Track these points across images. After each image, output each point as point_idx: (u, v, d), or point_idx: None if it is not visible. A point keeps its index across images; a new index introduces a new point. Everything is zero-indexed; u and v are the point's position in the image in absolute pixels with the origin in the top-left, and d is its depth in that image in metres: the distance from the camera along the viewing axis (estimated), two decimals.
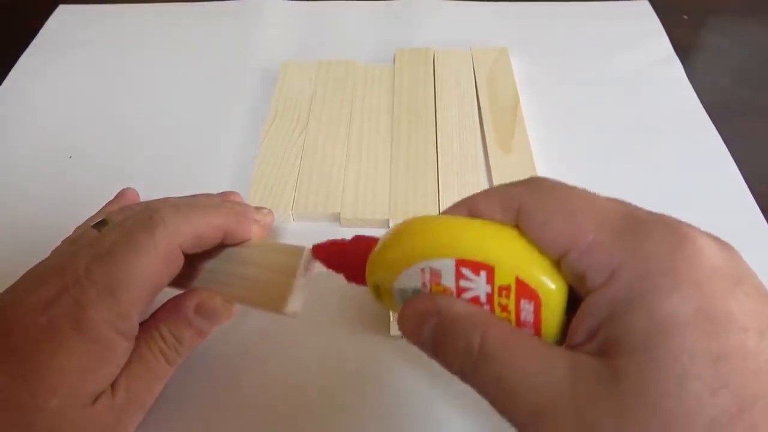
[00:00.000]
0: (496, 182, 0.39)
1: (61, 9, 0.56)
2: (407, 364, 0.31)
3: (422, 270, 0.20)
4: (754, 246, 0.36)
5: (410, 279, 0.21)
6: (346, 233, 0.37)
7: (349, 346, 0.32)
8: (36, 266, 0.27)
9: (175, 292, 0.28)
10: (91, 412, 0.24)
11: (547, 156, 0.41)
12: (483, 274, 0.19)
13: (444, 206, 0.37)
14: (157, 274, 0.24)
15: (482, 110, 0.44)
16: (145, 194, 0.34)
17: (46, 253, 0.28)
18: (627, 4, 0.55)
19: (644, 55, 0.50)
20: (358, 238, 0.24)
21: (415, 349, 0.21)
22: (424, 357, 0.22)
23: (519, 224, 0.20)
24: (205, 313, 0.27)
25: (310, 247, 0.26)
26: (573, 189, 0.20)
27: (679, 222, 0.18)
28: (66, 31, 0.54)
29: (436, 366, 0.21)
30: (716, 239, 0.18)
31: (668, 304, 0.16)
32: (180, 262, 0.26)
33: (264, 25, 0.54)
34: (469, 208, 0.21)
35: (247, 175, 0.40)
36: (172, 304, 0.27)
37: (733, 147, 0.42)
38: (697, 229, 0.18)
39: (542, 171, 0.40)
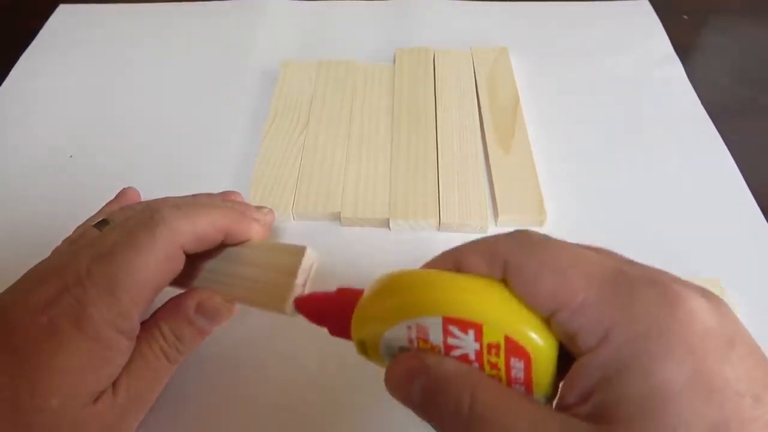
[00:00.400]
0: (496, 181, 0.39)
1: (62, 9, 0.56)
2: None
3: (409, 327, 0.20)
4: (754, 246, 0.37)
5: (397, 336, 0.20)
6: (346, 232, 0.38)
7: (350, 344, 0.32)
8: (36, 266, 0.27)
9: (176, 291, 0.28)
10: (92, 412, 0.24)
11: (547, 156, 0.41)
12: (471, 332, 0.19)
13: (444, 206, 0.38)
14: (157, 273, 0.25)
15: (482, 110, 0.44)
16: (146, 194, 0.34)
17: (47, 253, 0.28)
18: (627, 4, 0.55)
19: (644, 55, 0.50)
20: (342, 292, 0.23)
21: None
22: None
23: (506, 280, 0.19)
24: (205, 312, 0.27)
25: (310, 248, 0.26)
26: (560, 243, 0.20)
27: (669, 279, 0.18)
28: (66, 31, 0.54)
29: None
30: (707, 296, 0.18)
31: (663, 370, 0.16)
32: (181, 261, 0.26)
33: (264, 24, 0.54)
34: (454, 261, 0.20)
35: (247, 175, 0.40)
36: (173, 303, 0.27)
37: (733, 147, 0.42)
38: (687, 287, 0.18)
39: (542, 171, 0.40)
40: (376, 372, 0.30)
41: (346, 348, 0.32)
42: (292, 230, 0.38)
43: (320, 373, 0.31)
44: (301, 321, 0.30)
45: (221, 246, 0.28)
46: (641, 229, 0.30)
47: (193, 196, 0.31)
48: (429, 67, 0.48)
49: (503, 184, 0.39)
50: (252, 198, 0.38)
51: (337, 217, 0.38)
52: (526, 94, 0.46)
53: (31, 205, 0.40)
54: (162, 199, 0.30)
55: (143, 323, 0.26)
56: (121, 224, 0.26)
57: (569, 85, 0.48)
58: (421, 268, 0.22)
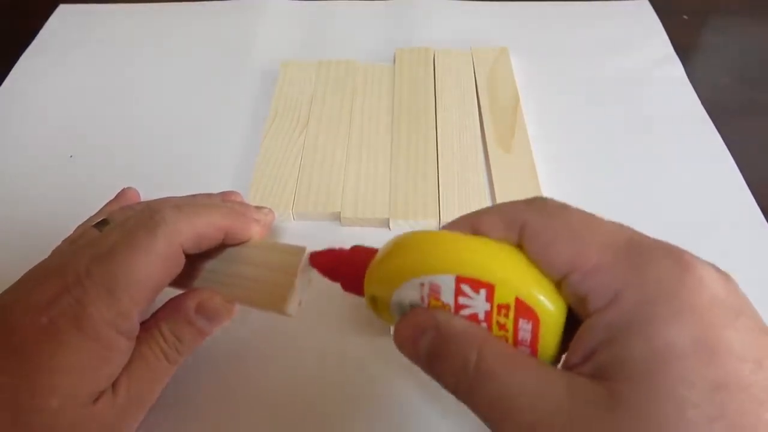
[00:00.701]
0: (496, 181, 0.39)
1: (62, 9, 0.56)
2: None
3: (422, 284, 0.20)
4: (754, 246, 0.37)
5: (409, 293, 0.21)
6: (346, 232, 0.38)
7: (350, 344, 0.32)
8: (36, 266, 0.27)
9: (176, 291, 0.28)
10: (92, 412, 0.24)
11: (547, 155, 0.41)
12: (483, 292, 0.19)
13: (444, 206, 0.38)
14: (158, 274, 0.24)
15: (482, 110, 0.44)
16: (146, 193, 0.34)
17: (47, 253, 0.28)
18: (627, 4, 0.55)
19: (644, 55, 0.50)
20: (356, 249, 0.24)
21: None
22: None
23: (522, 243, 0.20)
24: (205, 313, 0.27)
25: (310, 248, 0.26)
26: (577, 211, 0.20)
27: (682, 250, 0.18)
28: (66, 31, 0.54)
29: None
30: (717, 269, 0.18)
31: (668, 332, 0.16)
32: (181, 262, 0.26)
33: (264, 24, 0.54)
34: (472, 224, 0.21)
35: (247, 175, 0.40)
36: (173, 304, 0.27)
37: (733, 147, 0.42)
38: (699, 258, 0.18)
39: (542, 170, 0.40)
40: (378, 369, 0.30)
41: (346, 346, 0.32)
42: (292, 230, 0.38)
43: (321, 371, 0.31)
44: (301, 320, 0.31)
45: (221, 246, 0.28)
46: (640, 228, 0.30)
47: (193, 196, 0.31)
48: (429, 67, 0.48)
49: (503, 184, 0.39)
50: (252, 198, 0.38)
51: (337, 217, 0.38)
52: (526, 93, 0.46)
53: (32, 204, 0.40)
54: (162, 199, 0.30)
55: (143, 324, 0.26)
56: (121, 224, 0.26)
57: (569, 84, 0.48)
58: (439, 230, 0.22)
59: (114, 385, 0.25)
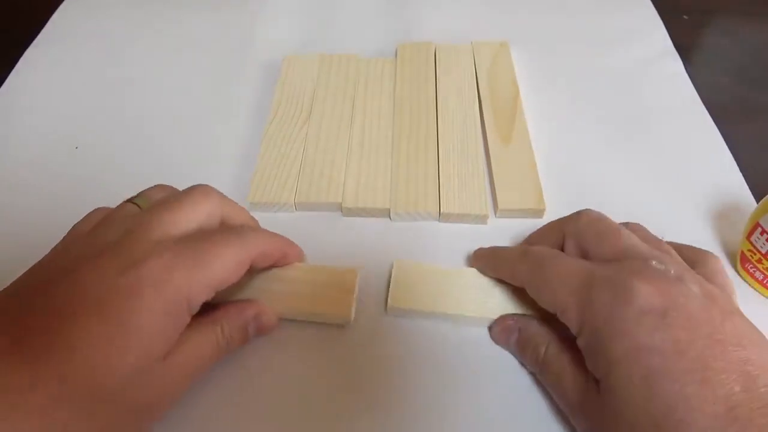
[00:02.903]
0: (496, 173, 0.40)
1: (68, 2, 0.57)
2: (401, 350, 0.32)
3: None
4: None
5: None
6: (347, 223, 0.38)
7: (349, 347, 0.32)
8: (74, 236, 0.28)
9: None
10: (162, 371, 0.25)
11: (546, 147, 0.42)
12: None
13: (444, 196, 0.38)
14: (229, 274, 0.27)
15: (482, 103, 0.44)
16: (149, 184, 0.34)
17: (51, 244, 0.28)
18: None
19: (643, 49, 0.51)
20: None
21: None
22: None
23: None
24: (258, 325, 0.30)
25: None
26: (555, 259, 0.28)
27: (630, 274, 0.25)
28: (71, 24, 0.55)
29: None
30: (655, 281, 0.25)
31: (610, 349, 0.24)
32: (243, 272, 0.28)
33: (267, 18, 0.55)
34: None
35: (249, 166, 0.41)
36: (235, 308, 0.30)
37: (733, 147, 0.43)
38: (640, 277, 0.25)
39: (541, 163, 0.40)
40: (375, 373, 0.30)
41: (345, 350, 0.32)
42: (294, 221, 0.38)
43: (319, 373, 0.31)
44: (301, 326, 0.32)
45: (269, 268, 0.32)
46: (639, 220, 0.31)
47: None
48: (430, 61, 0.48)
49: (503, 176, 0.39)
50: (254, 188, 0.39)
51: (338, 208, 0.38)
52: (526, 87, 0.46)
53: (38, 195, 0.40)
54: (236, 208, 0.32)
55: (205, 315, 0.28)
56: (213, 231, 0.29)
57: (569, 78, 0.48)
58: None
59: (177, 356, 0.26)
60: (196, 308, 0.26)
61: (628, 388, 0.23)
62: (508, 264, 0.31)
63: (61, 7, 0.56)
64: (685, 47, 0.51)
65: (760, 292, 0.34)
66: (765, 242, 0.33)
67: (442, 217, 0.38)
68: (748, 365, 0.22)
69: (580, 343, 0.26)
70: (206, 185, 0.30)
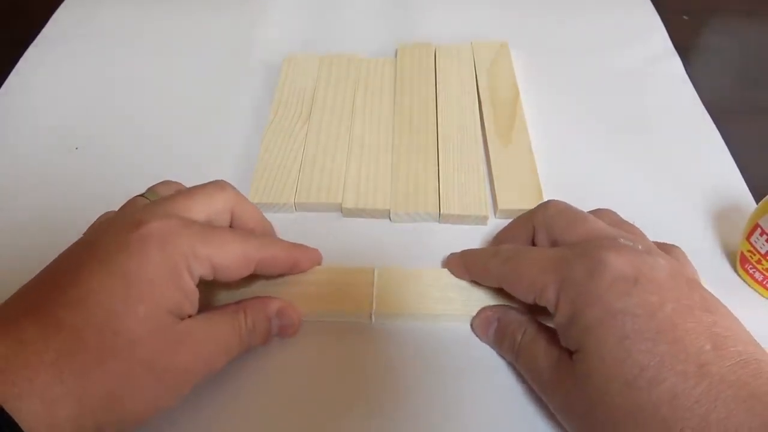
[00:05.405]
0: (496, 174, 0.40)
1: (68, 1, 0.57)
2: (389, 350, 0.32)
3: None
4: None
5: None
6: (347, 223, 0.38)
7: (347, 349, 0.32)
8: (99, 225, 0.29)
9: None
10: (175, 329, 0.25)
11: (546, 148, 0.42)
12: None
13: (444, 197, 0.38)
14: (236, 262, 0.27)
15: (482, 103, 0.44)
16: (149, 184, 0.34)
17: (52, 244, 0.28)
18: None
19: (643, 49, 0.51)
20: None
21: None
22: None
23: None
24: (283, 318, 0.31)
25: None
26: (527, 252, 0.29)
27: (598, 248, 0.26)
28: (72, 24, 0.55)
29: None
30: (625, 252, 0.25)
31: (585, 316, 0.25)
32: (249, 271, 0.28)
33: (267, 19, 0.55)
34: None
35: (249, 167, 0.41)
36: (259, 301, 0.30)
37: (733, 147, 0.43)
38: (609, 249, 0.26)
39: (541, 163, 0.40)
40: (374, 375, 0.30)
41: (344, 351, 0.32)
42: (294, 221, 0.38)
43: (319, 374, 0.31)
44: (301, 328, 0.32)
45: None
46: (639, 224, 0.31)
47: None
48: (430, 61, 0.48)
49: (503, 177, 0.39)
50: (254, 189, 0.39)
51: (338, 208, 0.38)
52: (526, 87, 0.46)
53: (38, 196, 0.40)
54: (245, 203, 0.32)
55: (230, 305, 0.29)
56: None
57: (569, 78, 0.48)
58: None
59: (194, 323, 0.26)
60: (196, 277, 0.26)
61: (600, 351, 0.24)
62: (480, 264, 0.31)
63: (61, 7, 0.56)
64: (685, 47, 0.51)
65: (759, 293, 0.34)
66: (765, 243, 0.33)
67: (442, 218, 0.38)
68: (716, 327, 0.23)
69: (557, 319, 0.26)
70: (223, 180, 0.30)
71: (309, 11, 0.56)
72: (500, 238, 0.34)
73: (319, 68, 0.47)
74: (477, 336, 0.32)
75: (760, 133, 0.46)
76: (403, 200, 0.38)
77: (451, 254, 0.34)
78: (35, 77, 0.49)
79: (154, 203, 0.28)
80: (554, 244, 0.29)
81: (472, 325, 0.32)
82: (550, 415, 0.28)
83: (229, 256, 0.27)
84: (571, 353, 0.26)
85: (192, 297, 0.26)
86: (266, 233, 0.33)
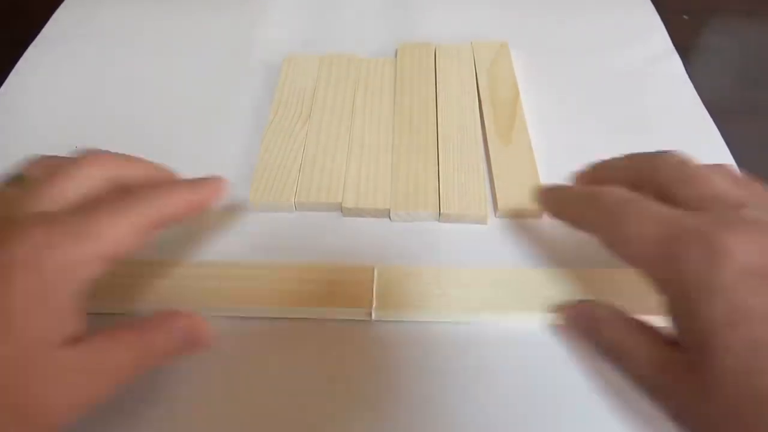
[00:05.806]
0: (496, 173, 0.40)
1: (66, 2, 0.57)
2: (387, 350, 0.32)
3: None
4: None
5: None
6: (347, 223, 0.38)
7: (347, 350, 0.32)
8: None
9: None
10: (49, 359, 0.22)
11: (547, 148, 0.42)
12: None
13: (444, 197, 0.38)
14: (129, 240, 0.24)
15: (482, 103, 0.44)
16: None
17: None
18: None
19: (643, 49, 0.51)
20: None
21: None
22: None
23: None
24: (189, 333, 0.26)
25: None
26: (631, 204, 0.25)
27: (721, 227, 0.22)
28: (72, 24, 0.55)
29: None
30: (752, 234, 0.22)
31: (705, 316, 0.21)
32: (146, 239, 0.25)
33: (266, 19, 0.55)
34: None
35: (249, 166, 0.41)
36: (162, 312, 0.26)
37: (733, 147, 0.43)
38: (735, 231, 0.22)
39: (541, 163, 0.40)
40: (374, 374, 0.30)
41: (344, 350, 0.32)
42: (294, 221, 0.38)
43: (318, 375, 0.31)
44: (297, 327, 0.32)
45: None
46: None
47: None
48: (430, 61, 0.48)
49: (503, 176, 0.39)
50: (254, 189, 0.39)
51: (338, 208, 0.38)
52: (526, 87, 0.46)
53: None
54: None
55: (124, 324, 0.25)
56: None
57: (569, 78, 0.48)
58: None
59: (76, 352, 0.23)
60: (89, 283, 0.23)
61: (726, 358, 0.20)
62: (574, 207, 0.28)
63: (61, 7, 0.56)
64: (685, 47, 0.51)
65: None
66: None
67: (442, 217, 0.38)
68: None
69: (665, 302, 0.23)
70: (98, 149, 0.27)
71: (309, 11, 0.56)
72: (598, 175, 0.30)
73: (319, 68, 0.47)
74: (570, 333, 0.30)
75: (760, 133, 0.46)
76: (403, 200, 0.38)
77: (543, 187, 0.31)
78: (35, 77, 0.49)
79: (20, 200, 0.25)
80: (664, 198, 0.25)
81: (561, 320, 0.29)
82: (550, 416, 0.28)
83: (119, 238, 0.24)
84: (679, 347, 0.23)
85: (74, 313, 0.23)
86: (156, 184, 0.29)
